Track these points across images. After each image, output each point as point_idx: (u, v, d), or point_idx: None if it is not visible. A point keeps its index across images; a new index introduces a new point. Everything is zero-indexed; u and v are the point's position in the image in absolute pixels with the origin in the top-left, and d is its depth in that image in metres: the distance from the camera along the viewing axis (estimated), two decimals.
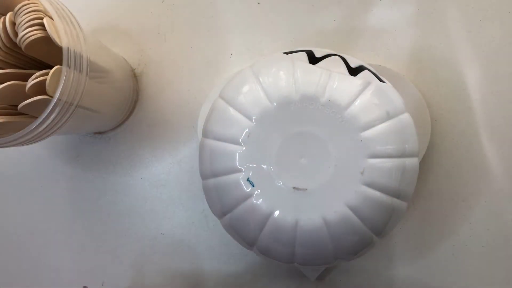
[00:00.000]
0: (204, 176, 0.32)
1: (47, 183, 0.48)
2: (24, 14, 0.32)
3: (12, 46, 0.34)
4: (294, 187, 0.30)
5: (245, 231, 0.31)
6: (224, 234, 0.44)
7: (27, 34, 0.31)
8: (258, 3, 0.44)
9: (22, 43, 0.32)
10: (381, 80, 0.31)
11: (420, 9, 0.41)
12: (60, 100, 0.31)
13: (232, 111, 0.31)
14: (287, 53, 0.33)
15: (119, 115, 0.45)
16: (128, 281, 0.46)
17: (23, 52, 0.32)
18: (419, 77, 0.41)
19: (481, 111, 0.40)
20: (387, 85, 0.31)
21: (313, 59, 0.32)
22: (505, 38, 0.39)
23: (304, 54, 0.32)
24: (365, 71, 0.31)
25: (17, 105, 0.32)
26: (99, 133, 0.47)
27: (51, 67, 0.31)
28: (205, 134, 0.32)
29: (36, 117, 0.32)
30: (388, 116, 0.30)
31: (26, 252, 0.49)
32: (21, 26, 0.32)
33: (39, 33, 0.31)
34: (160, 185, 0.45)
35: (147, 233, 0.45)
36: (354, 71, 0.31)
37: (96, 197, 0.47)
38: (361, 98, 0.30)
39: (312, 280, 0.42)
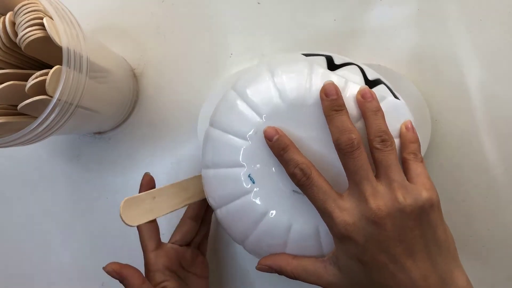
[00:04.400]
0: (205, 166, 0.32)
1: (47, 183, 0.48)
2: (24, 14, 0.32)
3: (12, 46, 0.34)
4: (294, 190, 0.30)
5: (238, 226, 0.31)
6: (224, 234, 0.44)
7: (27, 34, 0.31)
8: (258, 3, 0.44)
9: (22, 43, 0.32)
10: (395, 97, 0.31)
11: (420, 9, 0.41)
12: (60, 100, 0.31)
13: (243, 105, 0.30)
14: (306, 54, 0.32)
15: (119, 115, 0.45)
16: None
17: (23, 52, 0.32)
18: (419, 77, 0.41)
19: (481, 111, 0.40)
20: (401, 103, 0.31)
21: (332, 66, 0.31)
22: (505, 38, 0.39)
23: (324, 59, 0.32)
24: (382, 85, 0.31)
25: (17, 105, 0.32)
26: (99, 133, 0.47)
27: (51, 67, 0.31)
28: (212, 124, 0.32)
29: (36, 117, 0.32)
30: (398, 134, 0.30)
31: (26, 252, 0.49)
32: (21, 26, 0.32)
33: (39, 33, 0.31)
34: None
35: None
36: (370, 84, 0.31)
37: (96, 197, 0.47)
38: None
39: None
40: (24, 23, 0.31)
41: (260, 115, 0.30)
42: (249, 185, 0.30)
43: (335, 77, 0.29)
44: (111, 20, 0.46)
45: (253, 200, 0.30)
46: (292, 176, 0.28)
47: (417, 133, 0.30)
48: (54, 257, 0.48)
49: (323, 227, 0.29)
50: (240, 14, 0.44)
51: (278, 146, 0.29)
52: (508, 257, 0.40)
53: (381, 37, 0.41)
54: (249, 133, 0.30)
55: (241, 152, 0.30)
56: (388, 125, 0.29)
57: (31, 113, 0.33)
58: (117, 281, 0.35)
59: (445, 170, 0.40)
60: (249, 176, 0.30)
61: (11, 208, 0.49)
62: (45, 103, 0.31)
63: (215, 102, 0.43)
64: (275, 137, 0.29)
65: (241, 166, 0.30)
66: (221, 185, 0.31)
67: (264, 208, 0.30)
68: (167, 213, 0.34)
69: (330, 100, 0.28)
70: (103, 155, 0.47)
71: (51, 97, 0.31)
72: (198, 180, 0.34)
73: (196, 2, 0.45)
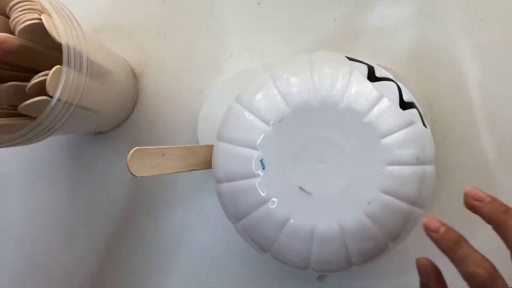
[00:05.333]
0: (219, 180, 0.32)
1: (47, 183, 0.48)
2: (19, 11, 0.32)
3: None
4: (300, 187, 0.30)
5: (260, 237, 0.31)
6: (224, 234, 0.44)
7: (22, 18, 0.31)
8: (258, 3, 0.44)
9: (17, 28, 0.31)
10: (424, 125, 0.31)
11: (420, 9, 0.41)
12: (60, 100, 0.31)
13: (250, 116, 0.30)
14: (349, 58, 0.32)
15: (119, 115, 0.45)
16: (128, 282, 0.45)
17: (20, 60, 0.32)
18: (419, 77, 0.41)
19: (481, 111, 0.40)
20: (427, 132, 0.31)
21: (372, 77, 0.31)
22: (505, 38, 0.39)
23: (365, 67, 0.32)
24: (414, 110, 0.31)
25: (17, 106, 0.32)
26: (99, 133, 0.47)
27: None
28: (221, 138, 0.32)
29: (36, 118, 0.32)
30: (417, 162, 0.30)
31: (25, 253, 0.49)
32: (16, 16, 0.31)
33: (35, 20, 0.31)
34: (160, 185, 0.45)
35: (147, 233, 0.45)
36: (404, 105, 0.30)
37: (96, 197, 0.47)
38: (400, 133, 0.30)
39: (313, 279, 0.42)
40: (20, 15, 0.31)
41: (267, 121, 0.30)
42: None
43: (371, 88, 0.29)
44: (111, 20, 0.46)
45: (271, 208, 0.30)
46: (473, 277, 0.23)
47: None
48: (54, 257, 0.48)
49: (346, 225, 0.29)
50: (240, 14, 0.44)
51: (449, 239, 0.25)
52: (508, 258, 0.40)
53: (381, 37, 0.41)
54: (258, 142, 0.30)
55: (253, 162, 0.30)
56: (409, 150, 0.29)
57: (31, 113, 0.33)
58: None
59: (445, 170, 0.40)
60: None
61: (11, 208, 0.49)
62: (45, 104, 0.31)
63: (215, 102, 0.43)
64: (442, 229, 0.25)
65: (255, 176, 0.30)
66: (237, 198, 0.31)
67: (284, 215, 0.30)
68: (172, 173, 0.33)
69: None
70: (103, 155, 0.46)
71: (51, 97, 0.31)
72: (209, 149, 0.34)
73: (196, 2, 0.45)
